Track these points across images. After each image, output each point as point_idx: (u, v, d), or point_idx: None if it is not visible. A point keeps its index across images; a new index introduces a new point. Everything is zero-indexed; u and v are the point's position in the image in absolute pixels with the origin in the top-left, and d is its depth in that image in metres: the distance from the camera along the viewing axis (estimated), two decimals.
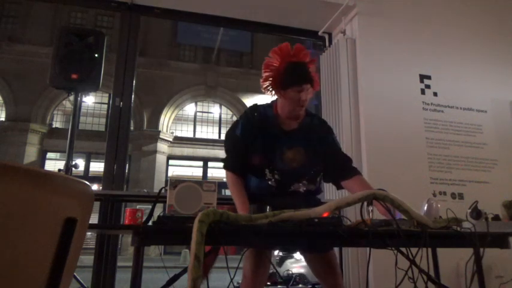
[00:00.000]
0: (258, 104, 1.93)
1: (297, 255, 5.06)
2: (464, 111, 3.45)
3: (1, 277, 0.69)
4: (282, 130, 1.83)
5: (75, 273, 1.95)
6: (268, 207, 1.43)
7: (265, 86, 1.83)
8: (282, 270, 5.20)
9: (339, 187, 1.90)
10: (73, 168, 2.75)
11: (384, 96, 3.25)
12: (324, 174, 1.91)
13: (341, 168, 1.86)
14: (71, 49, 2.76)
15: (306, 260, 1.96)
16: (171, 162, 14.24)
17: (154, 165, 13.39)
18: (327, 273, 1.84)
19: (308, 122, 1.89)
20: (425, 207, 1.57)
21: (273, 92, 1.83)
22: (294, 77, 1.74)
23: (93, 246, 2.82)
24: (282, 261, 5.40)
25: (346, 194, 2.10)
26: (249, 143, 1.79)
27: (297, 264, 4.95)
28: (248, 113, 1.87)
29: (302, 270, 4.68)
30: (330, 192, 3.01)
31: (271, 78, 1.80)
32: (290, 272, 4.77)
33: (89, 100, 13.64)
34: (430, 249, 1.57)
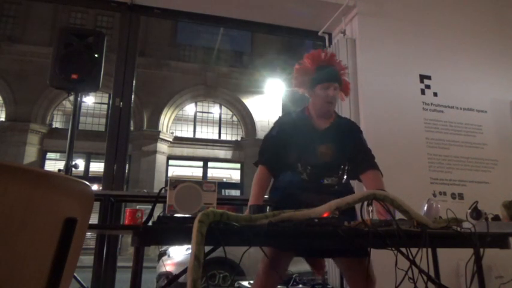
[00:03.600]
0: (291, 110, 2.13)
1: (171, 251, 5.00)
2: (464, 111, 3.45)
3: (1, 277, 0.69)
4: (314, 129, 1.97)
5: (75, 273, 1.95)
6: (268, 207, 1.43)
7: (296, 86, 2.04)
8: (158, 268, 5.13)
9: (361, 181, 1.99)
10: (73, 168, 2.75)
11: (384, 96, 3.25)
12: (348, 170, 1.99)
13: (360, 163, 1.96)
14: (71, 49, 2.77)
15: (338, 263, 1.96)
16: (171, 162, 14.21)
17: (154, 165, 13.36)
18: (360, 280, 1.81)
19: (338, 122, 2.03)
20: (425, 208, 1.57)
21: (304, 91, 2.02)
22: (322, 75, 1.94)
23: (93, 246, 2.82)
24: (159, 257, 5.32)
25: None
26: (283, 141, 1.94)
27: (170, 261, 4.90)
28: (283, 116, 2.07)
29: (173, 268, 4.63)
30: None
31: (302, 79, 2.00)
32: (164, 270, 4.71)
33: (89, 100, 13.61)
34: (430, 249, 1.57)
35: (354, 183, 2.10)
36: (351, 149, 1.97)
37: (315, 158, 1.89)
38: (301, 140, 1.93)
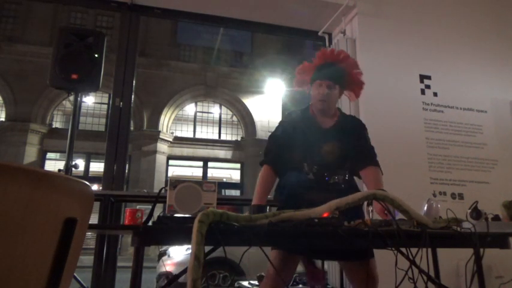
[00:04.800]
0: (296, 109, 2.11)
1: (171, 251, 4.99)
2: (464, 111, 3.45)
3: (1, 277, 0.69)
4: (319, 128, 1.95)
5: (75, 273, 1.95)
6: (269, 207, 1.43)
7: (296, 85, 2.06)
8: (158, 268, 5.12)
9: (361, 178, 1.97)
10: (73, 168, 2.75)
11: (384, 96, 3.25)
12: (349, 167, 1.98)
13: (360, 159, 1.94)
14: (71, 49, 2.76)
15: (342, 264, 1.96)
16: (171, 162, 14.20)
17: (154, 165, 13.36)
18: (364, 282, 1.81)
19: (343, 120, 2.01)
20: (425, 207, 1.57)
21: (306, 89, 2.03)
22: (317, 74, 1.93)
23: (93, 246, 2.82)
24: (159, 257, 5.31)
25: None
26: (289, 141, 1.93)
27: (170, 261, 4.90)
28: (287, 116, 2.04)
29: (173, 268, 4.62)
30: None
31: (301, 77, 2.01)
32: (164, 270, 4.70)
33: (89, 100, 13.61)
34: (430, 249, 1.57)
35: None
36: (354, 147, 1.95)
37: (321, 157, 1.88)
38: (306, 140, 1.91)
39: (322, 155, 1.88)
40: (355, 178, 2.05)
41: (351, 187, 1.93)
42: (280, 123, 2.03)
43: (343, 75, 1.95)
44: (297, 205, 1.47)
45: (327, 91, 1.90)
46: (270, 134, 2.07)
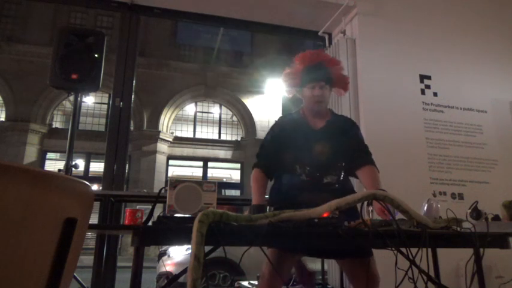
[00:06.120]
0: (288, 113, 2.15)
1: (171, 251, 5.00)
2: (464, 111, 3.45)
3: (1, 277, 0.69)
4: (310, 129, 1.98)
5: (75, 273, 1.95)
6: (268, 207, 1.43)
7: (287, 90, 2.07)
8: (158, 268, 5.11)
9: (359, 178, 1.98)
10: (73, 168, 2.75)
11: (384, 96, 3.25)
12: (344, 167, 1.99)
13: (355, 159, 1.96)
14: (71, 49, 2.77)
15: (340, 264, 1.97)
16: (171, 162, 14.20)
17: (154, 165, 13.35)
18: (363, 280, 1.79)
19: (334, 120, 2.04)
20: (425, 207, 1.57)
21: (296, 93, 2.05)
22: (307, 76, 1.95)
23: (93, 246, 2.82)
24: (159, 257, 5.30)
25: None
26: (280, 144, 1.96)
27: (170, 261, 4.89)
28: (277, 120, 2.09)
29: (173, 268, 4.62)
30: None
31: (291, 82, 2.03)
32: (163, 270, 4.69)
33: (89, 100, 13.60)
34: (430, 249, 1.56)
35: (354, 181, 2.10)
36: (347, 146, 1.97)
37: (312, 158, 1.90)
38: (297, 141, 1.95)
39: (314, 155, 1.91)
40: (353, 178, 2.05)
41: (344, 187, 1.95)
42: (271, 127, 2.07)
43: (330, 74, 2.00)
44: (293, 207, 1.47)
45: (322, 92, 1.95)
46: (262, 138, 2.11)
